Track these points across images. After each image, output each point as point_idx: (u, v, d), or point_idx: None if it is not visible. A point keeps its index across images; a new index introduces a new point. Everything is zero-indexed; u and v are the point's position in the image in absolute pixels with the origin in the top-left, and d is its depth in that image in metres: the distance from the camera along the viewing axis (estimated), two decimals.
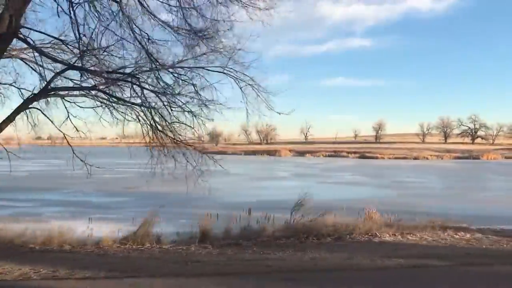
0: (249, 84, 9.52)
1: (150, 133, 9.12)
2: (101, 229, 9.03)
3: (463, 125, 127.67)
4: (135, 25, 7.10)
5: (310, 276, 4.84)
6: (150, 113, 8.97)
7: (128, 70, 8.74)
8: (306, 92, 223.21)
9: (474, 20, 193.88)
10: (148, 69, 8.69)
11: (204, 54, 9.26)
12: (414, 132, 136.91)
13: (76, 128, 9.68)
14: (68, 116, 9.29)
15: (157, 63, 7.70)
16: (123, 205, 16.30)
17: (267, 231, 7.29)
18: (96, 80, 9.08)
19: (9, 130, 9.02)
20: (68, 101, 9.24)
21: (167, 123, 9.07)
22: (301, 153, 77.47)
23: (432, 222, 8.39)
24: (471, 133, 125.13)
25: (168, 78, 8.50)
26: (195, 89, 7.75)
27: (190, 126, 8.98)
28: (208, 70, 9.44)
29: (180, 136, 9.11)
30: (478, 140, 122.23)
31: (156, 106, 8.88)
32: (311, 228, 7.30)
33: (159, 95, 8.30)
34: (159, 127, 8.95)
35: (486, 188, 24.59)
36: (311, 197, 8.90)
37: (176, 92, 8.46)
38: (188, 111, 8.47)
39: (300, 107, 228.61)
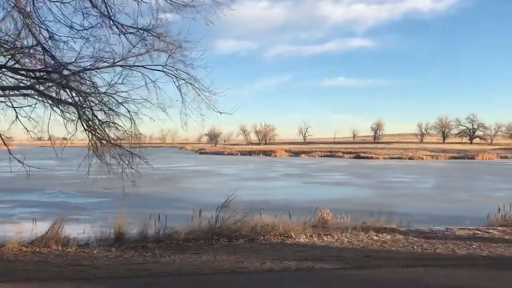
0: (188, 83, 9.33)
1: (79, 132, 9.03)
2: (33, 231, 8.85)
3: (461, 125, 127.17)
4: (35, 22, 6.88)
5: (178, 280, 4.64)
6: (78, 112, 8.83)
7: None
8: (307, 92, 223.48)
9: (473, 20, 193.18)
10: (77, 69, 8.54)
11: (147, 52, 9.15)
12: (413, 132, 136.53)
13: (26, 129, 9.60)
14: (17, 117, 9.20)
15: (61, 64, 7.47)
16: (87, 206, 16.16)
17: (181, 232, 7.08)
18: (30, 80, 9.01)
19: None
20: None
21: (100, 123, 8.95)
22: (297, 154, 77.19)
23: (364, 222, 8.15)
24: (469, 133, 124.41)
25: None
26: (96, 88, 7.51)
27: (118, 125, 8.84)
28: (149, 68, 9.31)
29: (110, 136, 8.98)
30: (476, 140, 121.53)
31: (84, 105, 8.74)
32: (227, 230, 7.09)
33: (80, 94, 8.13)
34: (84, 125, 8.81)
35: (465, 188, 24.27)
36: (241, 197, 8.67)
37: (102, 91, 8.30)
38: (110, 110, 8.30)
39: (300, 107, 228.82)
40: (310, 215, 9.34)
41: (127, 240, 7.08)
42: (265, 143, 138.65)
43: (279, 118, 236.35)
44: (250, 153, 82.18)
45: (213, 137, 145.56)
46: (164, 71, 9.37)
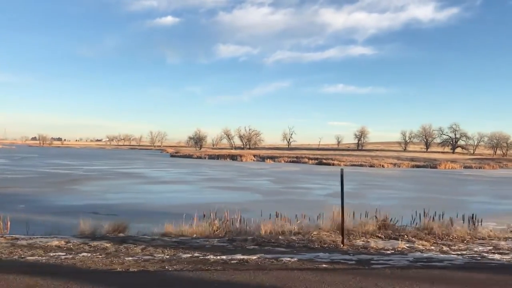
0: None
1: None
2: None
3: (444, 134, 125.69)
4: None
5: None
6: None
7: None
8: (306, 98, 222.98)
9: (470, 30, 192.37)
10: None
11: None
12: (398, 141, 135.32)
13: None
14: None
15: None
16: None
17: None
18: None
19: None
20: None
21: None
22: (264, 159, 76.22)
23: None
24: (451, 143, 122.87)
25: None
26: None
27: None
28: None
29: None
30: (459, 149, 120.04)
31: None
32: None
33: None
34: None
35: (358, 196, 23.19)
36: None
37: None
38: None
39: (299, 113, 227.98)
40: None
41: None
42: (249, 148, 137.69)
43: (276, 123, 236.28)
44: (218, 157, 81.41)
45: (197, 140, 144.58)
46: None
